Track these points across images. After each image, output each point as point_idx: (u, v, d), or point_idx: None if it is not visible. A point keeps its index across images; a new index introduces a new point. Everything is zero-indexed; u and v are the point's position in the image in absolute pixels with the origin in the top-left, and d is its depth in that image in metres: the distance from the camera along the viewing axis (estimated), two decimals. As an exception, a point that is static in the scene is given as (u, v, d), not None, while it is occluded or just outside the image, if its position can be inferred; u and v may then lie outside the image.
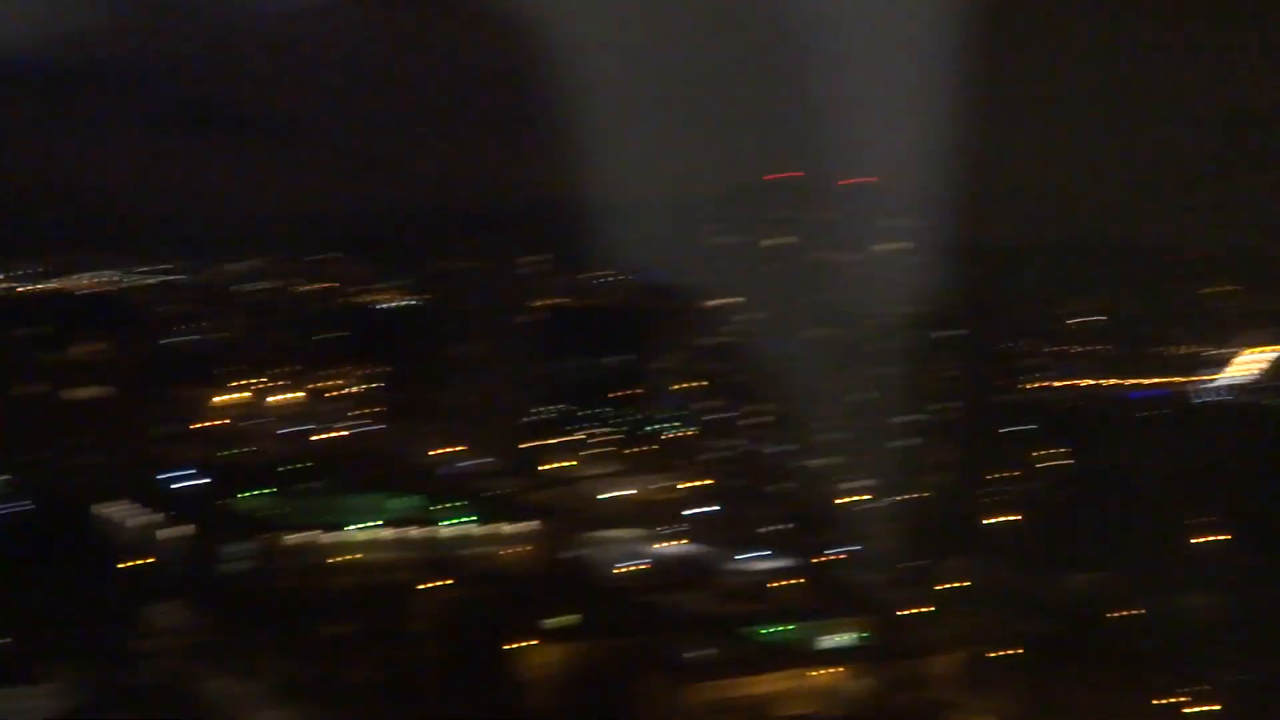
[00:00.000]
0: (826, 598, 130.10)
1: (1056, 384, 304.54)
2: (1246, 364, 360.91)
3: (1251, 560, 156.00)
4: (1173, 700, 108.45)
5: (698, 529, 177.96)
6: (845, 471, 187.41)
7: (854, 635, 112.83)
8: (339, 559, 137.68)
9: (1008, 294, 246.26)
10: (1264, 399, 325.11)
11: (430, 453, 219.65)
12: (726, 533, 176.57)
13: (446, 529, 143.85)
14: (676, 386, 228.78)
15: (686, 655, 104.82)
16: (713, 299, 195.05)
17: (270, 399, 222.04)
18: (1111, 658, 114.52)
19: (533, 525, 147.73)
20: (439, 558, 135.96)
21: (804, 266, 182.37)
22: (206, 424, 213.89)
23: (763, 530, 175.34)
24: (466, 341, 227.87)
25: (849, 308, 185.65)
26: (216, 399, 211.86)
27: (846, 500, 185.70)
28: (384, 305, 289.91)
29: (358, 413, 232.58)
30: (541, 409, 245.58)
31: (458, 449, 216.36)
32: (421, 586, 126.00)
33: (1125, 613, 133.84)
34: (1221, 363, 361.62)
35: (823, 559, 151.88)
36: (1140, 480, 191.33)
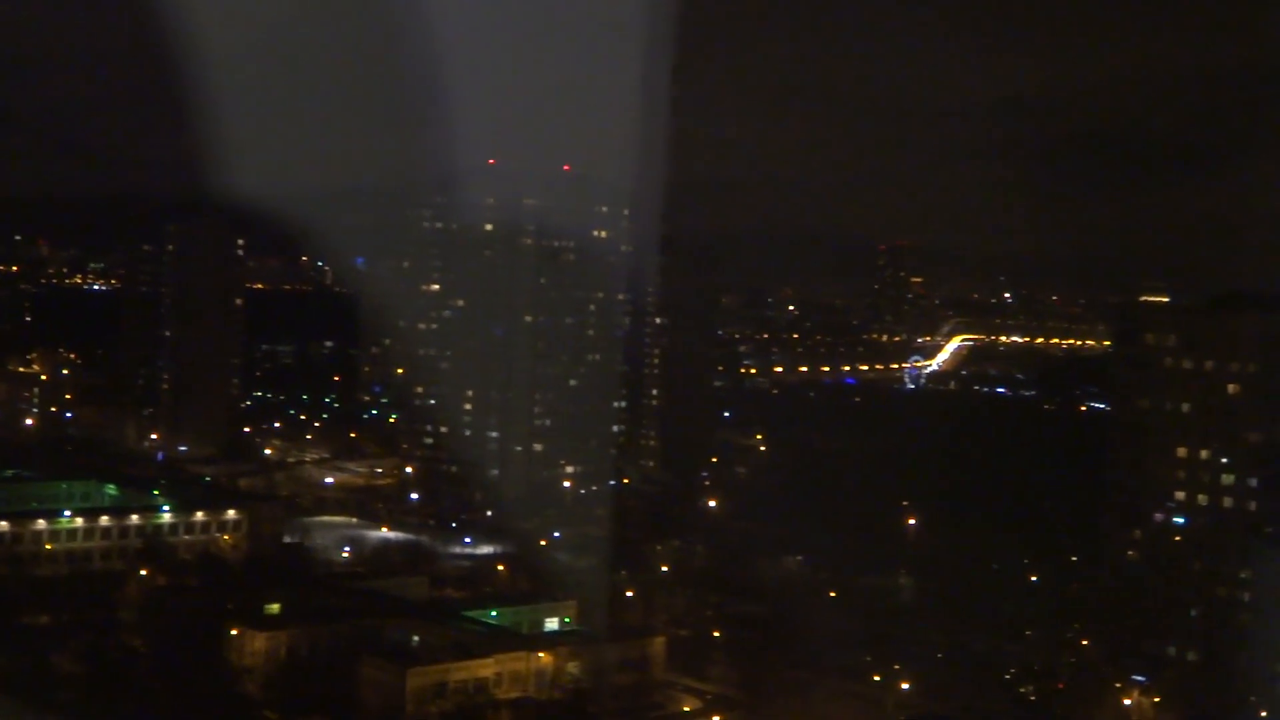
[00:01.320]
0: (539, 582, 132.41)
1: (766, 371, 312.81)
2: (949, 352, 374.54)
3: (950, 543, 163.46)
4: (872, 679, 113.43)
5: (410, 515, 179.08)
6: (556, 457, 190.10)
7: (567, 619, 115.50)
8: (42, 548, 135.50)
9: (718, 282, 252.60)
10: (966, 386, 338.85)
11: (138, 439, 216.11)
12: (439, 518, 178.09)
13: (156, 516, 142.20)
14: (384, 373, 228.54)
15: (402, 640, 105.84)
16: (421, 285, 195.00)
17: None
18: (814, 637, 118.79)
19: (246, 511, 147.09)
20: (148, 546, 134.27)
21: (513, 252, 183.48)
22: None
23: (475, 515, 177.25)
24: (174, 326, 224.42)
25: (559, 294, 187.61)
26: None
27: (557, 485, 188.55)
28: (87, 288, 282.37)
29: (60, 399, 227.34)
30: (251, 395, 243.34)
31: (167, 435, 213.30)
32: (130, 575, 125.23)
33: (828, 594, 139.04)
34: (927, 351, 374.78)
35: (535, 544, 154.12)
36: (846, 465, 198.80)
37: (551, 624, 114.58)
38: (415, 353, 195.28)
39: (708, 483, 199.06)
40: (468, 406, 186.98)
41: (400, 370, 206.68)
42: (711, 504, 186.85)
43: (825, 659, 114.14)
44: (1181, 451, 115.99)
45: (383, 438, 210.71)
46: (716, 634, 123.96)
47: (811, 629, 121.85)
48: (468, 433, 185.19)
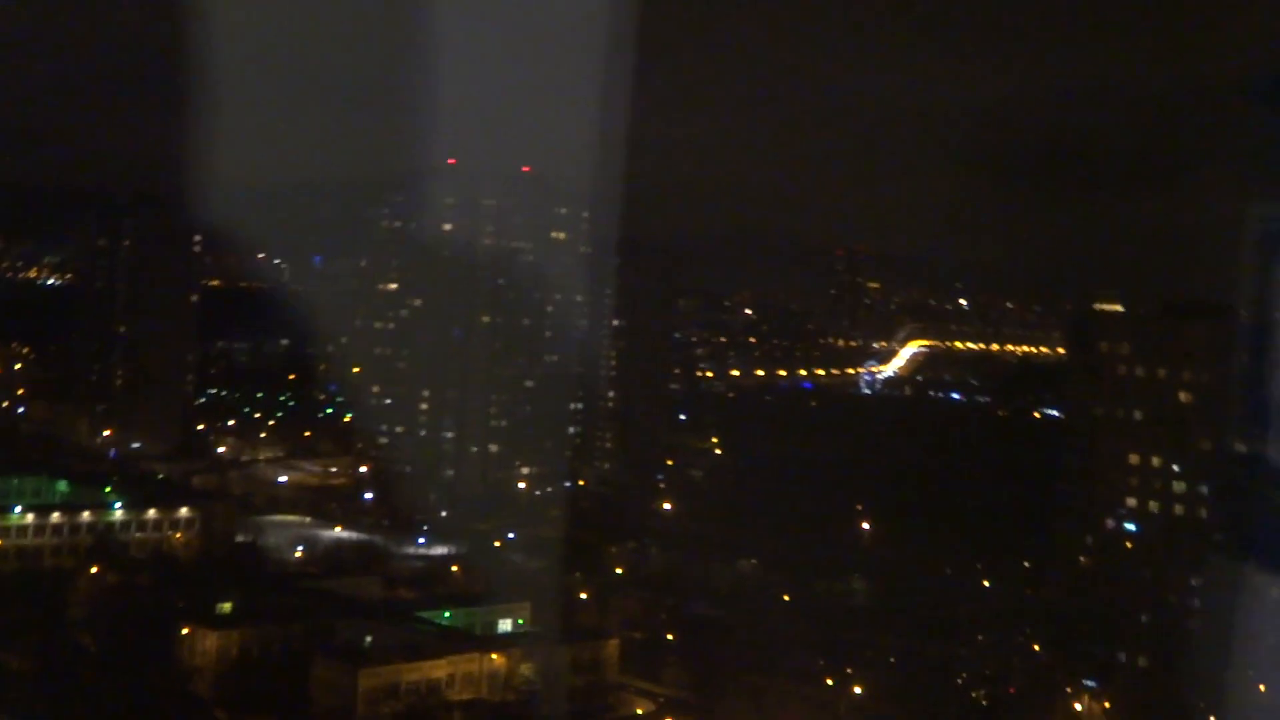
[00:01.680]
0: (493, 583, 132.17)
1: (723, 375, 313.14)
2: (905, 358, 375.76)
3: (904, 548, 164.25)
4: (825, 682, 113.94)
5: (364, 515, 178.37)
6: (511, 457, 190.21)
7: (521, 620, 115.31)
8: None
9: (676, 285, 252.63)
10: (921, 392, 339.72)
11: (91, 435, 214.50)
12: (393, 518, 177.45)
13: (108, 514, 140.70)
14: (340, 371, 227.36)
15: (354, 640, 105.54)
16: (378, 284, 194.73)
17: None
18: (767, 641, 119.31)
19: (199, 510, 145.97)
20: (99, 543, 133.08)
21: (471, 253, 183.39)
22: None
23: (429, 516, 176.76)
24: (129, 322, 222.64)
25: (517, 295, 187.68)
26: None
27: (513, 486, 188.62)
28: (41, 283, 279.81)
29: (13, 394, 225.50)
30: (206, 392, 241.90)
31: (120, 432, 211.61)
32: (81, 572, 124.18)
33: (782, 597, 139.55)
34: (883, 356, 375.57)
35: (489, 545, 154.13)
36: (801, 469, 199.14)
37: (505, 626, 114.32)
38: (372, 352, 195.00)
39: (663, 485, 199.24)
40: (424, 406, 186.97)
41: (356, 369, 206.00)
42: (667, 506, 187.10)
43: (779, 662, 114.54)
44: (1134, 459, 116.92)
45: (338, 437, 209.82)
46: (670, 637, 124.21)
47: (765, 632, 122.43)
48: (423, 433, 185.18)
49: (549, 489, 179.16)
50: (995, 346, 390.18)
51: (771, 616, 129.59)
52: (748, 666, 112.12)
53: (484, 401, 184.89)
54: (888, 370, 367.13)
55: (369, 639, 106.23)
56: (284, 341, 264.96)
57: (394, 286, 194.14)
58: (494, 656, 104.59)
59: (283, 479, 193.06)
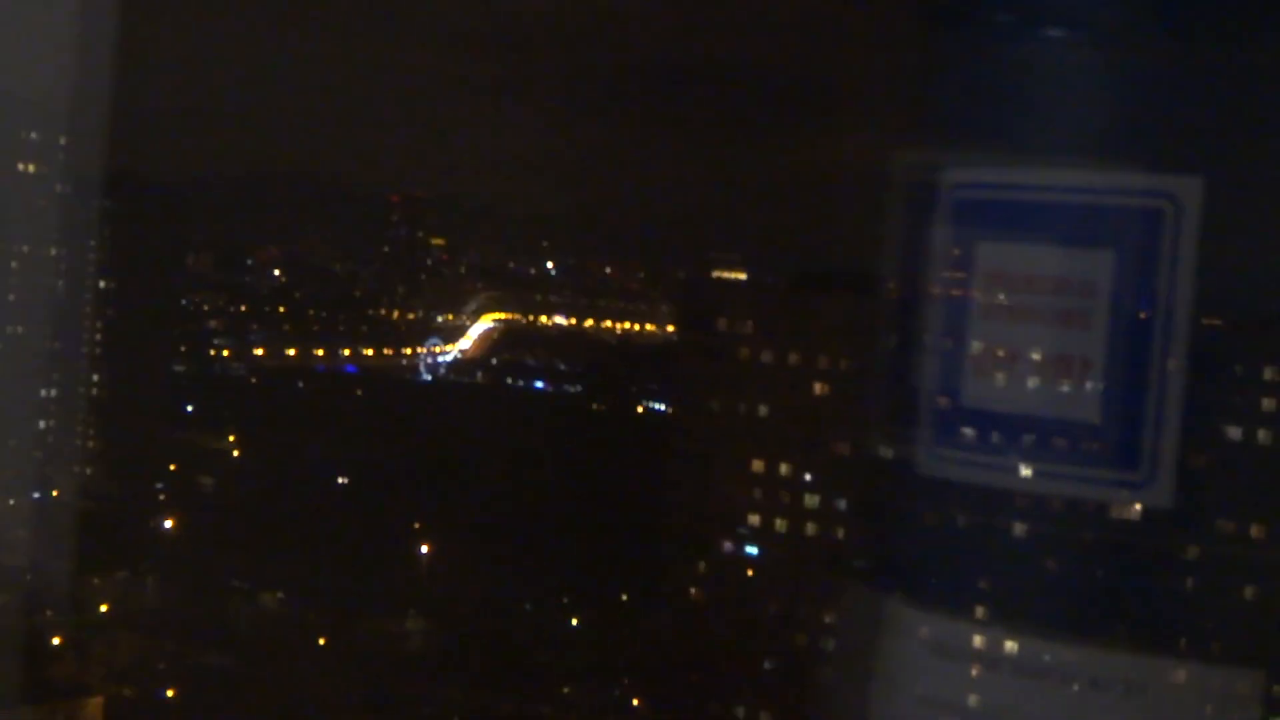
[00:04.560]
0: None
1: (243, 353, 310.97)
2: (476, 335, 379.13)
3: (473, 577, 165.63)
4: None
5: None
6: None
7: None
8: None
9: (182, 237, 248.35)
10: (497, 378, 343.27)
11: None
12: None
13: None
14: None
15: None
16: None
17: None
18: (296, 696, 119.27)
19: None
20: None
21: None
22: None
23: None
24: None
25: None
26: None
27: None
28: None
29: None
30: None
31: None
32: None
33: (317, 640, 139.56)
34: (449, 333, 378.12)
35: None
36: (342, 475, 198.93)
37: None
38: None
39: (164, 496, 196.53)
40: None
41: None
42: (168, 524, 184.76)
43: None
44: (757, 465, 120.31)
45: None
46: (171, 693, 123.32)
47: (293, 685, 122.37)
48: None
49: (10, 501, 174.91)
50: (590, 322, 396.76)
51: (302, 665, 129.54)
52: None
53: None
54: (454, 350, 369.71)
55: None
56: None
57: None
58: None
59: None
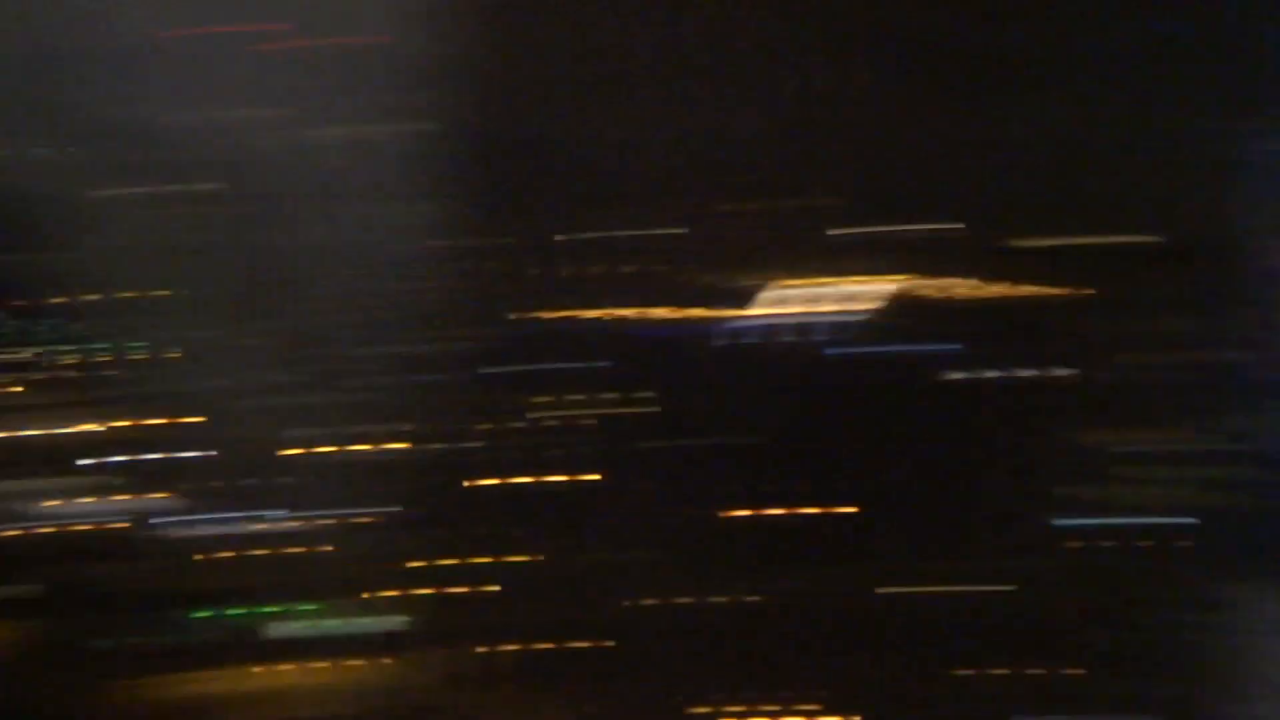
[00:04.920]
0: (285, 574, 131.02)
1: (582, 314, 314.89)
2: (784, 300, 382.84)
3: (804, 543, 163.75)
4: (718, 707, 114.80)
5: (116, 481, 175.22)
6: (308, 415, 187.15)
7: (345, 620, 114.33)
8: None
9: (543, 197, 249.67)
10: (818, 345, 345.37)
11: None
12: (153, 487, 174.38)
13: None
14: (78, 299, 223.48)
15: (106, 644, 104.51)
16: (126, 185, 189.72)
17: None
18: (643, 656, 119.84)
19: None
20: None
21: (281, 146, 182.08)
22: None
23: (197, 486, 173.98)
24: None
25: (321, 205, 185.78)
26: None
27: (309, 452, 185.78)
28: None
29: None
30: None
31: None
32: None
33: (658, 602, 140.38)
34: (746, 297, 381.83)
35: (282, 524, 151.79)
36: (688, 440, 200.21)
37: (305, 627, 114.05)
38: (117, 274, 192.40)
39: (519, 453, 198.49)
40: (190, 347, 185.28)
41: (96, 296, 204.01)
42: (527, 479, 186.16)
43: (659, 680, 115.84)
44: (1144, 435, 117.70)
45: (81, 383, 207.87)
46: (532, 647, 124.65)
47: (640, 645, 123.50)
48: (187, 381, 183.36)
49: (353, 454, 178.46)
50: (982, 287, 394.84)
51: (644, 626, 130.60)
52: (629, 687, 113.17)
53: (261, 341, 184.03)
54: (778, 314, 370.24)
55: (122, 642, 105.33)
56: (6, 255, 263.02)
57: (142, 190, 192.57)
58: (286, 666, 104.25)
59: (6, 434, 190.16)
